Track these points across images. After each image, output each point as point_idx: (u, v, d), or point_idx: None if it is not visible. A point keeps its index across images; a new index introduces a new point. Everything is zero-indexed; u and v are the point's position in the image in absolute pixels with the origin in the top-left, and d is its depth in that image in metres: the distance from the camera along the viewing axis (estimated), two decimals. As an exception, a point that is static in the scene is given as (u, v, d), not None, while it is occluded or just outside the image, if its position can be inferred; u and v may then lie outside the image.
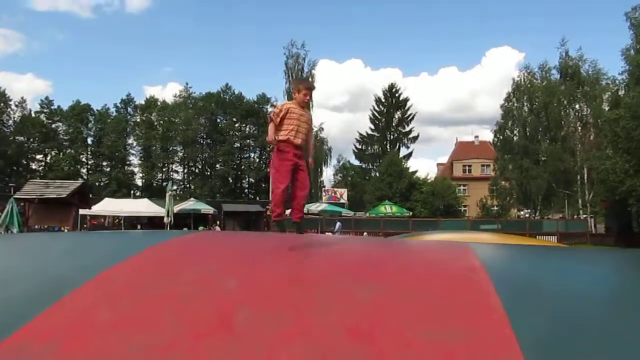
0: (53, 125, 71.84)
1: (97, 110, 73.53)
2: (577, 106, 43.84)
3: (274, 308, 2.41)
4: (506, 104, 46.96)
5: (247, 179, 78.37)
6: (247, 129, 76.65)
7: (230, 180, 75.95)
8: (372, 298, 2.64)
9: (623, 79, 39.31)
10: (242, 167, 77.07)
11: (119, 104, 74.82)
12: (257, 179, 75.10)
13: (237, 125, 76.21)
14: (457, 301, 2.60)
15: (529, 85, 45.55)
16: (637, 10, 37.63)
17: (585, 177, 41.27)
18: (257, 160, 77.46)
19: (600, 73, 43.07)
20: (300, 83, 3.30)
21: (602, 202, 38.64)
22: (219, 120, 75.89)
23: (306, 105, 3.15)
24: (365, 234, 32.71)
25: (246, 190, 77.73)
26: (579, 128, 43.68)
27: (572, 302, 2.71)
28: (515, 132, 46.98)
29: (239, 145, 76.79)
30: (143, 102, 75.82)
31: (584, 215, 42.50)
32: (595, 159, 35.18)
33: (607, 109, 37.69)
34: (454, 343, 2.10)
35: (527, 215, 49.68)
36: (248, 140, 76.80)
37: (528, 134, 45.48)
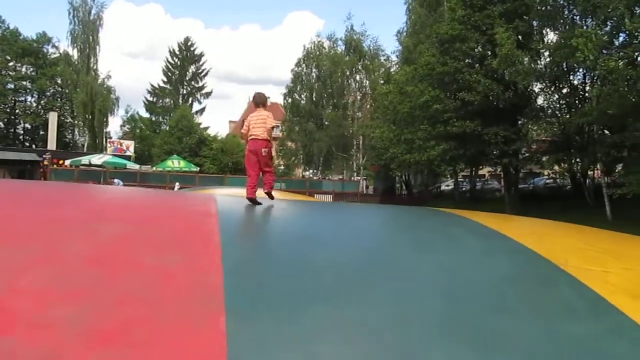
0: None
1: None
2: (357, 77, 47.65)
3: (24, 242, 2.91)
4: (296, 68, 49.10)
5: (22, 125, 71.15)
6: (24, 69, 69.25)
7: (2, 125, 68.37)
8: (114, 233, 3.26)
9: (396, 57, 43.82)
10: (17, 110, 69.70)
11: None
12: (33, 125, 68.55)
13: (11, 64, 68.42)
14: (186, 236, 3.35)
15: (317, 54, 48.12)
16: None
17: (361, 143, 45.34)
18: (35, 104, 70.62)
19: (380, 49, 47.40)
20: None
21: (372, 166, 43.00)
22: (-12, 57, 67.37)
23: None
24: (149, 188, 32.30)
25: (21, 137, 70.66)
26: (358, 98, 47.62)
27: (277, 238, 3.63)
28: (303, 96, 49.48)
29: (12, 86, 69.16)
30: None
31: (358, 177, 46.84)
32: (368, 127, 38.94)
33: (382, 82, 41.65)
34: (173, 265, 2.84)
35: (310, 176, 53.04)
36: (24, 82, 69.43)
37: (314, 99, 48.25)
